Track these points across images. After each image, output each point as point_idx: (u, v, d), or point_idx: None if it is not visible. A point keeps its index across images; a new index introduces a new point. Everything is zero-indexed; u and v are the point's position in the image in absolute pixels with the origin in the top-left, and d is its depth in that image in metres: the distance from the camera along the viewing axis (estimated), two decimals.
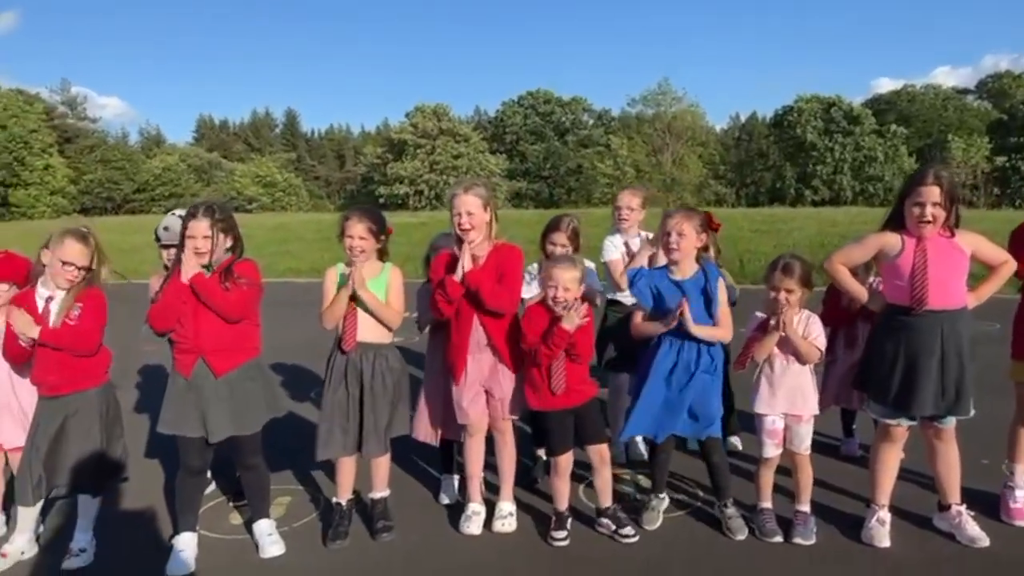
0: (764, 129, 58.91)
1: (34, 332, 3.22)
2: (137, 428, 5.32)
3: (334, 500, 3.74)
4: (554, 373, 3.41)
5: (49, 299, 3.32)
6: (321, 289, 3.63)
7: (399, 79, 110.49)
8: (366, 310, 3.51)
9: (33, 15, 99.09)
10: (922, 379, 3.20)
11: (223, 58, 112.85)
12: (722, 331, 3.49)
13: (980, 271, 3.39)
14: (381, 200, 52.82)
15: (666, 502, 3.79)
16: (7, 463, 3.68)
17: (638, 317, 3.60)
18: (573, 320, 3.31)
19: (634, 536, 3.49)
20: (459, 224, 3.46)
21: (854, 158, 52.76)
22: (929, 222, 3.15)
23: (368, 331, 3.53)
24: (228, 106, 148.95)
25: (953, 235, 3.21)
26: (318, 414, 3.70)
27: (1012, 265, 3.30)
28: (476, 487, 3.73)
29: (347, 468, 3.66)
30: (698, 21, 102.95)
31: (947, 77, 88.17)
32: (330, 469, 3.88)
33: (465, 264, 3.43)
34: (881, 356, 3.32)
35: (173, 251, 3.47)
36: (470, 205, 3.44)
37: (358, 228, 3.49)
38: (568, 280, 3.35)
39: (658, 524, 3.63)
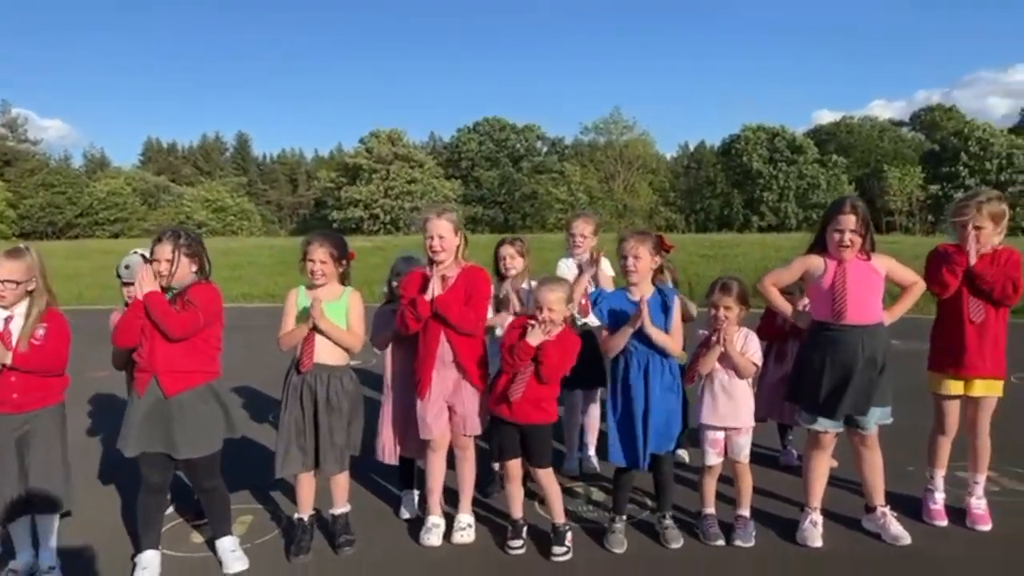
0: (712, 157, 60.58)
1: (7, 359, 3.24)
2: (91, 451, 5.31)
3: (295, 516, 3.82)
4: (516, 381, 3.56)
5: (8, 319, 3.34)
6: (281, 312, 3.74)
7: (353, 105, 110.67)
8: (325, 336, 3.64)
9: None
10: (844, 386, 3.50)
11: (172, 80, 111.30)
12: (673, 342, 3.66)
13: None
14: (335, 224, 52.57)
15: (623, 527, 3.82)
16: None
17: (604, 334, 3.79)
18: (537, 335, 3.49)
19: (566, 554, 3.61)
20: (431, 246, 3.64)
21: (798, 186, 54.76)
22: (848, 246, 3.47)
23: (325, 353, 3.64)
24: (177, 129, 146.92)
25: (869, 258, 3.54)
26: (276, 434, 3.79)
27: (921, 285, 3.65)
28: (436, 501, 3.87)
29: (306, 485, 3.75)
30: (648, 52, 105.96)
31: (883, 110, 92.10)
32: (290, 487, 3.96)
33: (436, 287, 3.59)
34: (809, 367, 3.62)
35: (133, 288, 3.49)
36: (442, 229, 3.63)
37: (319, 252, 3.62)
38: (552, 301, 3.52)
39: (624, 547, 3.68)
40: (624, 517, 3.86)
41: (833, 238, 3.52)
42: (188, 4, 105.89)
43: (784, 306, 3.77)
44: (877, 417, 3.62)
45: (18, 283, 3.31)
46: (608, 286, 4.26)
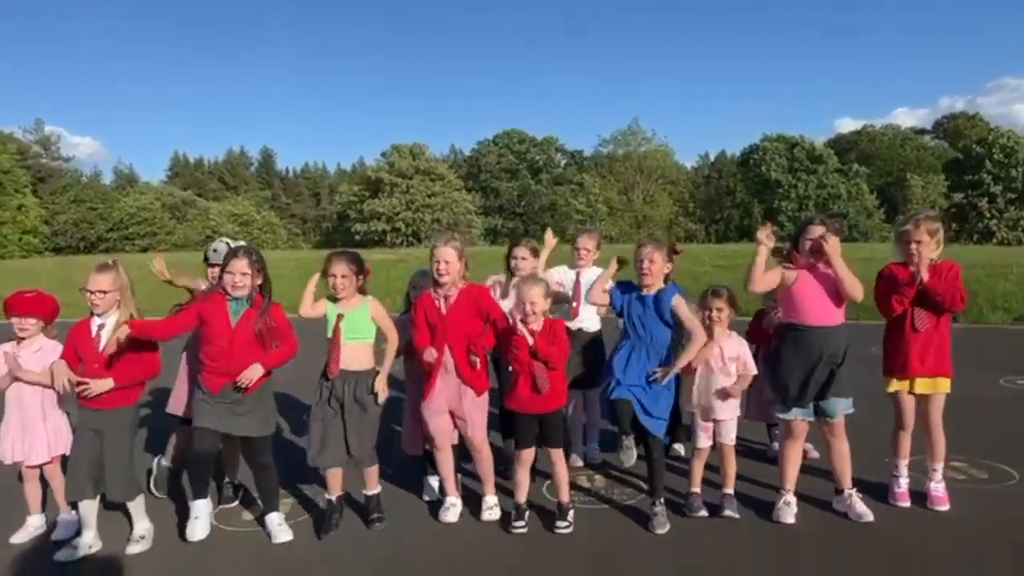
0: (733, 167, 60.75)
1: (107, 384, 3.83)
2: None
3: (326, 497, 4.35)
4: (537, 375, 4.08)
5: (100, 327, 3.95)
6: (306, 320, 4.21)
7: (375, 119, 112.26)
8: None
9: (6, 54, 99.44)
10: (808, 378, 4.05)
11: (198, 96, 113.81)
12: (696, 335, 4.16)
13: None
14: (357, 237, 53.49)
15: (664, 510, 4.18)
16: (41, 475, 4.25)
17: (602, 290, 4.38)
18: (527, 325, 4.03)
19: (568, 528, 4.13)
20: (436, 269, 4.21)
21: (818, 196, 54.74)
22: (816, 252, 4.04)
23: (351, 360, 4.17)
24: (203, 144, 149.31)
25: (830, 266, 4.05)
26: (304, 431, 4.34)
27: (859, 288, 4.05)
28: (451, 484, 4.42)
29: (335, 472, 4.27)
30: (667, 63, 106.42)
31: (906, 117, 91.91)
32: (319, 477, 4.48)
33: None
34: (780, 364, 4.16)
35: (217, 270, 4.22)
36: (447, 255, 4.19)
37: (341, 268, 4.16)
38: (534, 295, 4.08)
39: (667, 528, 4.09)
40: (662, 499, 4.23)
41: (804, 245, 4.08)
42: (213, 24, 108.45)
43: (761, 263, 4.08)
44: (842, 407, 4.13)
45: (106, 292, 3.90)
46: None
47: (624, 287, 4.36)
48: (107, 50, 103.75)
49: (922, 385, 4.22)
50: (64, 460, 4.15)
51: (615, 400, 4.13)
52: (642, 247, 4.25)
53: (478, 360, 4.21)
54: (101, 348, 3.88)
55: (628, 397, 4.10)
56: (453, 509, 4.36)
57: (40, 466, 4.20)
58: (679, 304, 4.16)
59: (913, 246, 4.10)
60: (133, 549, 3.97)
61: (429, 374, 4.25)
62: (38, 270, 27.48)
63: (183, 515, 4.28)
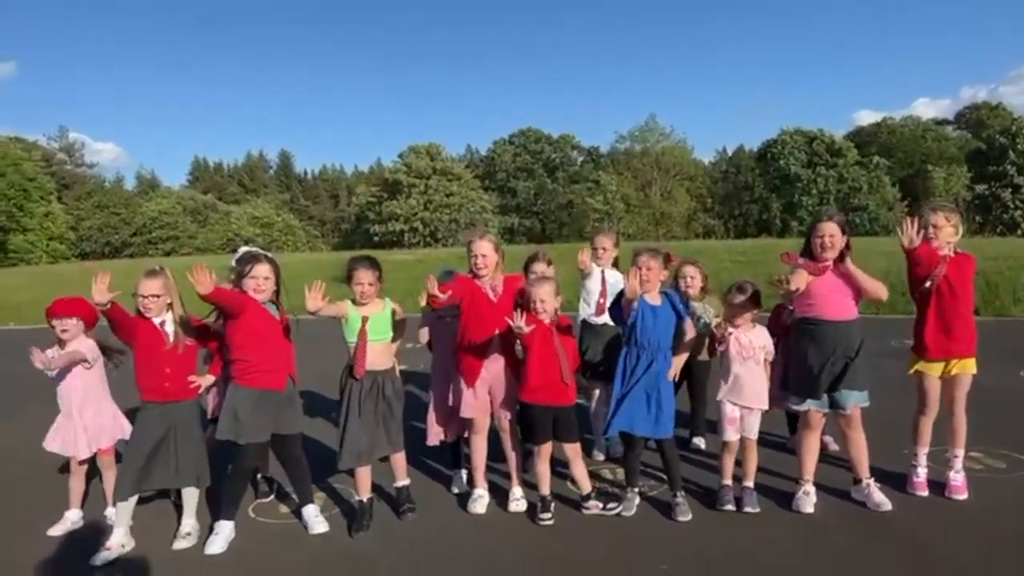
0: (751, 162, 60.31)
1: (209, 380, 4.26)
2: None
3: (356, 498, 4.50)
4: (564, 369, 4.27)
5: (162, 323, 4.17)
6: (329, 321, 4.37)
7: (392, 120, 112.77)
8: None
9: (30, 63, 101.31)
10: (822, 370, 4.16)
11: (217, 100, 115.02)
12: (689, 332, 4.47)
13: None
14: (376, 238, 53.84)
15: (638, 498, 4.48)
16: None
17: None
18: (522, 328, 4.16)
19: (618, 508, 4.31)
20: (475, 263, 4.38)
21: (838, 189, 54.22)
22: (827, 248, 4.14)
23: (375, 361, 4.33)
24: (222, 148, 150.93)
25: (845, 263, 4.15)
26: (328, 430, 4.51)
27: (882, 288, 4.25)
28: (480, 476, 4.59)
29: (364, 472, 4.41)
30: (682, 57, 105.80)
31: (926, 108, 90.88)
32: (344, 475, 4.67)
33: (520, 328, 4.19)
34: (795, 357, 4.29)
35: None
36: (485, 249, 4.40)
37: (368, 276, 4.32)
38: (543, 293, 4.28)
39: (633, 512, 4.36)
40: (636, 489, 4.47)
41: (815, 243, 4.18)
42: (229, 28, 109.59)
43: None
44: (855, 400, 4.23)
45: (159, 296, 4.12)
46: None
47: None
48: (128, 56, 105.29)
49: (953, 367, 4.31)
50: (118, 453, 4.35)
51: (627, 438, 4.39)
52: (639, 256, 4.37)
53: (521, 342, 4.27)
54: (170, 345, 4.11)
55: (636, 432, 4.29)
56: (481, 500, 4.51)
57: (88, 460, 4.40)
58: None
59: (930, 230, 4.21)
60: (181, 544, 4.14)
61: (477, 358, 4.41)
62: (64, 274, 28.07)
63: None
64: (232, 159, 79.25)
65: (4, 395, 8.38)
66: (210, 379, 4.33)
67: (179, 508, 4.39)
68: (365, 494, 4.44)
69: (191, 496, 4.28)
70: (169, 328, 4.17)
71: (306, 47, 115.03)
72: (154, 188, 67.49)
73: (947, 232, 4.23)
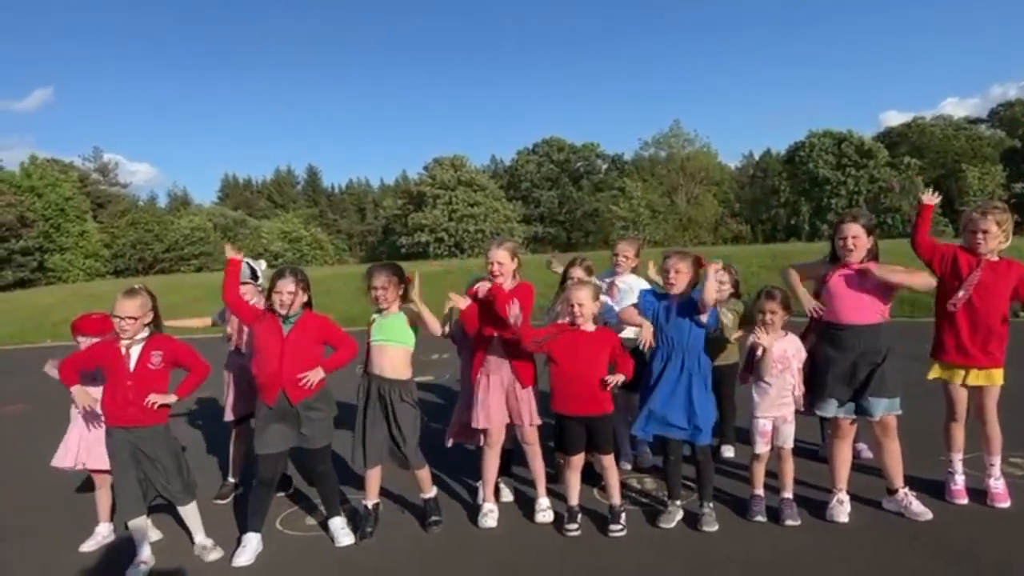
0: (778, 166, 59.58)
1: (171, 399, 4.04)
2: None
3: (362, 502, 4.48)
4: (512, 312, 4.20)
5: (128, 347, 4.03)
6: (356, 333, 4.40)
7: (416, 133, 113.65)
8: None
9: (66, 87, 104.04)
10: (847, 376, 4.07)
11: (246, 117, 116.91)
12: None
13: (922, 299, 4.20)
14: (403, 250, 54.15)
15: (681, 512, 4.36)
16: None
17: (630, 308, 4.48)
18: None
19: (621, 531, 4.21)
20: (491, 271, 4.44)
21: (869, 191, 53.29)
22: (852, 250, 4.06)
23: (383, 365, 4.33)
24: (251, 164, 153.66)
25: (871, 264, 4.06)
26: (348, 437, 4.49)
27: (925, 277, 4.17)
28: (490, 490, 4.56)
29: (374, 475, 4.42)
30: (705, 62, 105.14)
31: (956, 108, 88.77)
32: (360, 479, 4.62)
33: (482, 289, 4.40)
34: (817, 362, 4.21)
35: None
36: (500, 257, 4.45)
37: (380, 279, 4.33)
38: (582, 296, 4.24)
39: (673, 525, 4.25)
40: (678, 502, 4.37)
41: (838, 244, 4.09)
42: (255, 48, 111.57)
43: (803, 294, 4.27)
44: (884, 407, 4.10)
45: (136, 318, 4.01)
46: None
47: (652, 297, 4.44)
48: (162, 79, 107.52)
49: (975, 377, 4.17)
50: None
51: (664, 441, 4.31)
52: (667, 258, 4.35)
53: (518, 313, 4.20)
54: (132, 368, 4.00)
55: (672, 435, 4.22)
56: (491, 515, 4.48)
57: (105, 471, 4.39)
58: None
59: (980, 236, 4.07)
60: (212, 556, 4.18)
61: (480, 365, 4.46)
62: (99, 293, 28.57)
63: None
64: (261, 175, 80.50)
65: (46, 409, 8.53)
66: (172, 398, 4.06)
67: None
68: (370, 499, 4.44)
69: (188, 515, 4.25)
70: (134, 352, 4.02)
71: (330, 64, 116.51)
72: (185, 205, 68.66)
73: (997, 240, 4.08)
